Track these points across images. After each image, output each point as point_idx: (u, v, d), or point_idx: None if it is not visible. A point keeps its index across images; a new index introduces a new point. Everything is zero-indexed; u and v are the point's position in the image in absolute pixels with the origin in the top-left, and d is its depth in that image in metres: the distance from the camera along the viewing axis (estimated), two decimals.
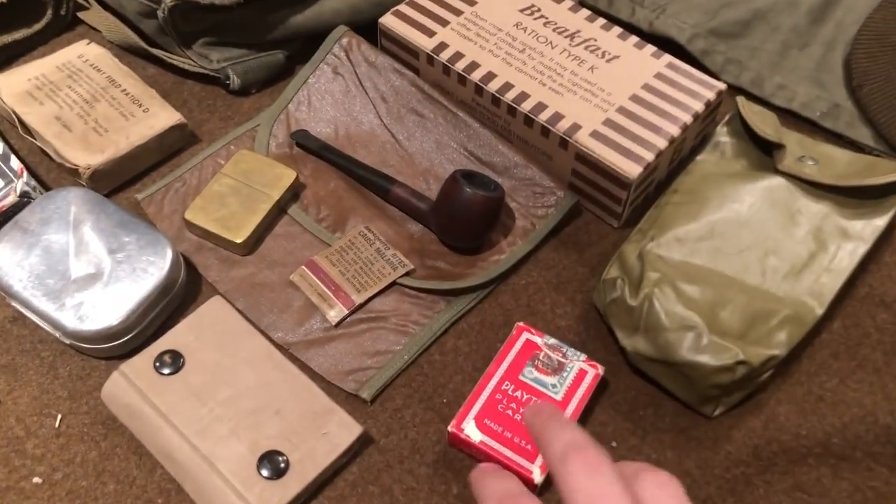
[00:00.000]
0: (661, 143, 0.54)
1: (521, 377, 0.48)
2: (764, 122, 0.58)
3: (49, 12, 0.65)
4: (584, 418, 0.49)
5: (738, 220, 0.54)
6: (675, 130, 0.55)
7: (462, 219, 0.53)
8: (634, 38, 0.60)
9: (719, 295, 0.49)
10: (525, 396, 0.47)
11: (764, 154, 0.58)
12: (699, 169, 0.57)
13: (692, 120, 0.56)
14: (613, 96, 0.56)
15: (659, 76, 0.58)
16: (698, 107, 0.56)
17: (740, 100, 0.60)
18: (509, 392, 0.48)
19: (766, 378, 0.49)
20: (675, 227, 0.53)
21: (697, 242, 0.53)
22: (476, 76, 0.58)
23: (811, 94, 0.64)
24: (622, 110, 0.55)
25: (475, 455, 0.47)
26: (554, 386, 0.48)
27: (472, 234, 0.54)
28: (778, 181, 0.56)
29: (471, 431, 0.46)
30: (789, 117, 0.64)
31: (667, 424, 0.49)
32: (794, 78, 0.65)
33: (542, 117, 0.55)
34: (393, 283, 0.53)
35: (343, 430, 0.46)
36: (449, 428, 0.46)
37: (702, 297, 0.49)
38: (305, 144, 0.59)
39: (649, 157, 0.53)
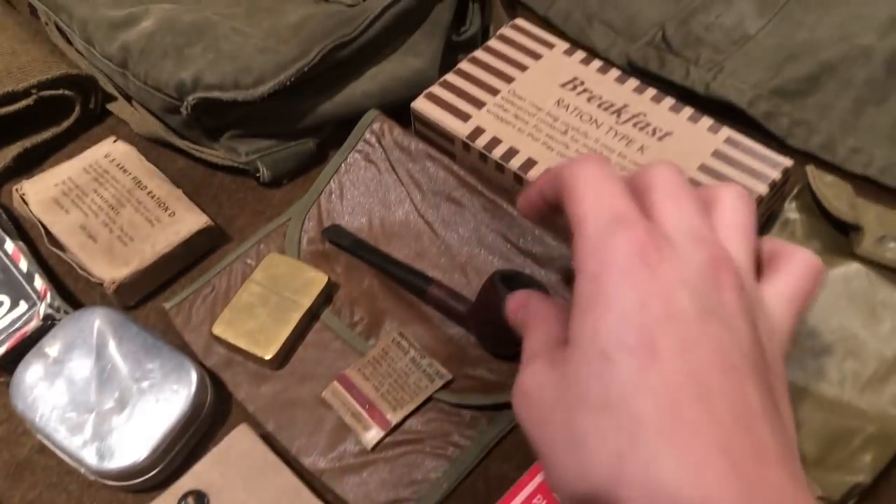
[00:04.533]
0: None
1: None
2: (837, 197, 0.53)
3: (77, 108, 0.63)
4: None
5: (811, 316, 0.48)
6: None
7: (501, 326, 0.49)
8: (689, 111, 0.55)
9: None
10: None
11: (839, 233, 0.53)
12: None
13: (756, 204, 0.50)
14: None
15: (717, 154, 0.53)
16: (762, 189, 0.51)
17: (810, 170, 0.54)
18: None
19: None
20: None
21: None
22: (515, 164, 0.53)
23: (891, 158, 0.57)
24: None
25: None
26: None
27: (513, 343, 0.49)
28: (856, 268, 0.50)
29: None
30: (867, 185, 0.57)
31: None
32: (870, 139, 0.58)
33: None
34: (430, 398, 0.49)
35: None
36: None
37: None
38: (338, 241, 0.56)
39: None
